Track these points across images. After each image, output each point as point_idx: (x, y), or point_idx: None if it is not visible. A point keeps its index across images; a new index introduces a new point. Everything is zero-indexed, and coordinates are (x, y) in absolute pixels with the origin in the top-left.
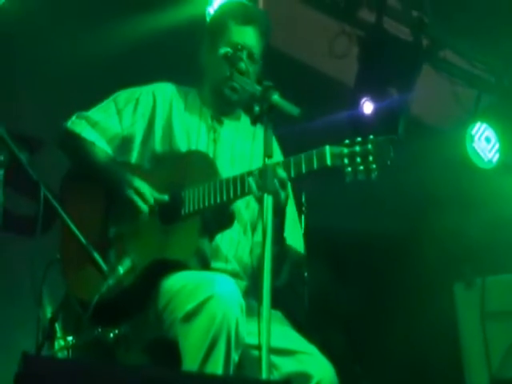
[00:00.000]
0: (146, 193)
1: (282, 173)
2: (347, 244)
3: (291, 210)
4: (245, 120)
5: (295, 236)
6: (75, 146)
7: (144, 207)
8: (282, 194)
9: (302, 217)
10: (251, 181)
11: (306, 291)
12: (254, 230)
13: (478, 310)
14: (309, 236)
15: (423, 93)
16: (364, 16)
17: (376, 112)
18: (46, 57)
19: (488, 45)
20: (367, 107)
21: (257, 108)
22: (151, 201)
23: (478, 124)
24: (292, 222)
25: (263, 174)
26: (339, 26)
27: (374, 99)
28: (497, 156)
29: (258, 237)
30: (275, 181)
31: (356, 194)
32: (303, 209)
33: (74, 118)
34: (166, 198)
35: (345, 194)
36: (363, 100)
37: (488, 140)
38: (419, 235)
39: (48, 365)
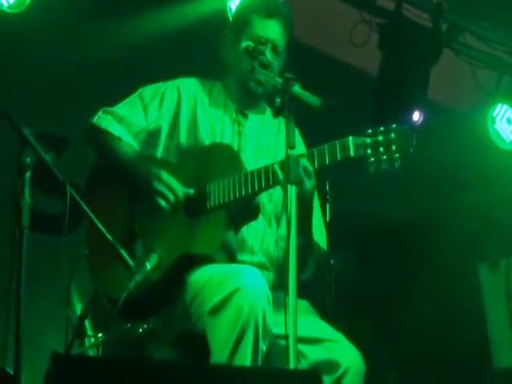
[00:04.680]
0: (174, 186)
1: (305, 162)
2: (371, 229)
3: (316, 205)
4: (269, 113)
5: (319, 232)
6: (101, 141)
7: (172, 199)
8: (308, 184)
9: (327, 205)
10: (277, 168)
11: (332, 279)
12: (278, 222)
13: (504, 290)
14: (333, 224)
15: (444, 76)
16: (383, 3)
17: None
18: (67, 54)
19: (507, 26)
20: (416, 116)
21: (278, 100)
22: (180, 193)
23: (499, 105)
24: (317, 217)
25: (286, 164)
26: (358, 14)
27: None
28: None
29: (284, 229)
30: (300, 170)
31: (378, 179)
32: (328, 197)
33: (99, 113)
34: (191, 191)
35: (366, 179)
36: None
37: (509, 121)
38: (442, 217)
39: (78, 363)
